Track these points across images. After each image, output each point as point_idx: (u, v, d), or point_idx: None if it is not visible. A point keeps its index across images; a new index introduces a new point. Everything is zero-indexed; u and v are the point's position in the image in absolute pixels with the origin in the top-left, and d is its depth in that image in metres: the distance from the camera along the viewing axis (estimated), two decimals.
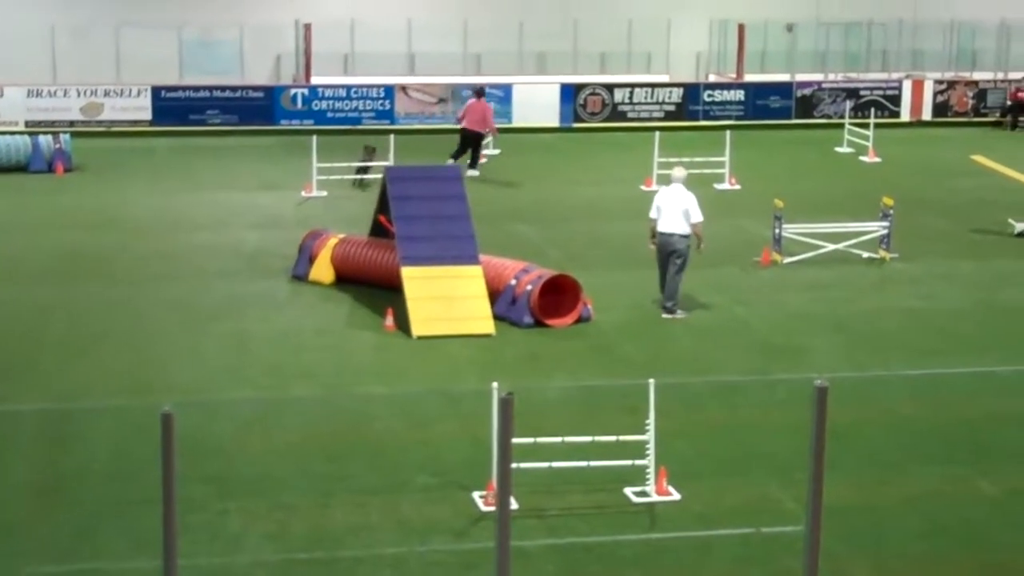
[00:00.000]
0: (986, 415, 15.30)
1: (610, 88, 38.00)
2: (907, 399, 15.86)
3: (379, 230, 20.22)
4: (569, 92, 37.76)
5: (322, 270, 20.49)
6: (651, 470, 12.72)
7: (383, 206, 19.89)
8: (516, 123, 36.81)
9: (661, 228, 18.82)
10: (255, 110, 36.34)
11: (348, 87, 36.99)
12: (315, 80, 37.71)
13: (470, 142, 30.36)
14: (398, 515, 12.33)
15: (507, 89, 37.37)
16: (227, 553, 11.50)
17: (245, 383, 16.15)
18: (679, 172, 19.27)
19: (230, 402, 15.38)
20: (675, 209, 18.75)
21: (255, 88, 36.98)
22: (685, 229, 18.75)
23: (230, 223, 25.16)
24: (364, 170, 28.51)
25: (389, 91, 37.02)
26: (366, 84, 37.14)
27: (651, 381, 12.71)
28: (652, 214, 19.04)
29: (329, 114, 36.57)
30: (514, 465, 12.36)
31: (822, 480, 5.95)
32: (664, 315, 18.91)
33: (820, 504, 5.97)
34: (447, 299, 18.32)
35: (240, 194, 28.03)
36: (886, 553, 11.76)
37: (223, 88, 36.52)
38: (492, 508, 12.02)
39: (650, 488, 12.74)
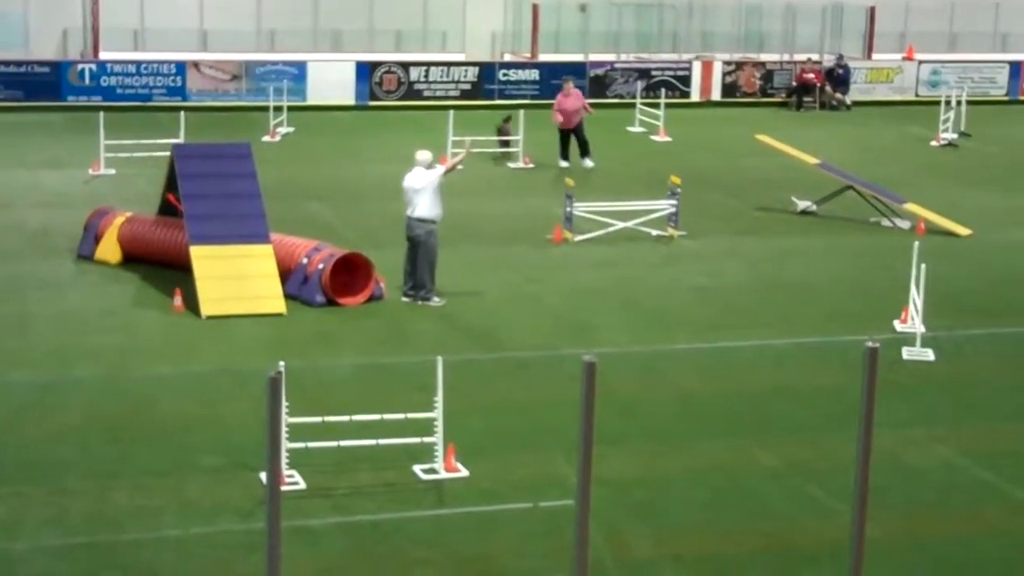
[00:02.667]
0: (766, 387, 15.73)
1: (405, 66, 37.96)
2: (691, 373, 16.20)
3: (168, 209, 19.88)
4: (364, 70, 37.60)
5: (108, 249, 20.07)
6: (439, 447, 12.78)
7: (171, 184, 19.56)
8: (311, 101, 36.53)
9: (406, 212, 18.73)
10: (41, 86, 35.33)
11: (138, 63, 36.22)
12: (103, 55, 36.85)
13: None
14: (183, 497, 12.17)
15: (301, 67, 37.04)
16: (1, 539, 11.20)
17: (25, 365, 15.72)
18: (421, 155, 18.91)
19: (6, 384, 14.96)
20: (411, 193, 18.54)
21: (41, 63, 35.95)
22: (421, 213, 18.39)
23: (13, 202, 24.46)
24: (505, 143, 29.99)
25: (181, 67, 36.37)
26: (157, 60, 36.40)
27: (439, 358, 12.78)
28: (404, 197, 18.87)
29: (118, 90, 35.78)
30: (301, 444, 12.39)
31: (591, 454, 6.06)
32: (419, 302, 18.58)
33: (589, 477, 6.07)
34: (237, 278, 18.11)
35: (24, 172, 27.26)
36: (668, 525, 12.01)
37: (7, 63, 35.42)
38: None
39: (438, 465, 12.80)
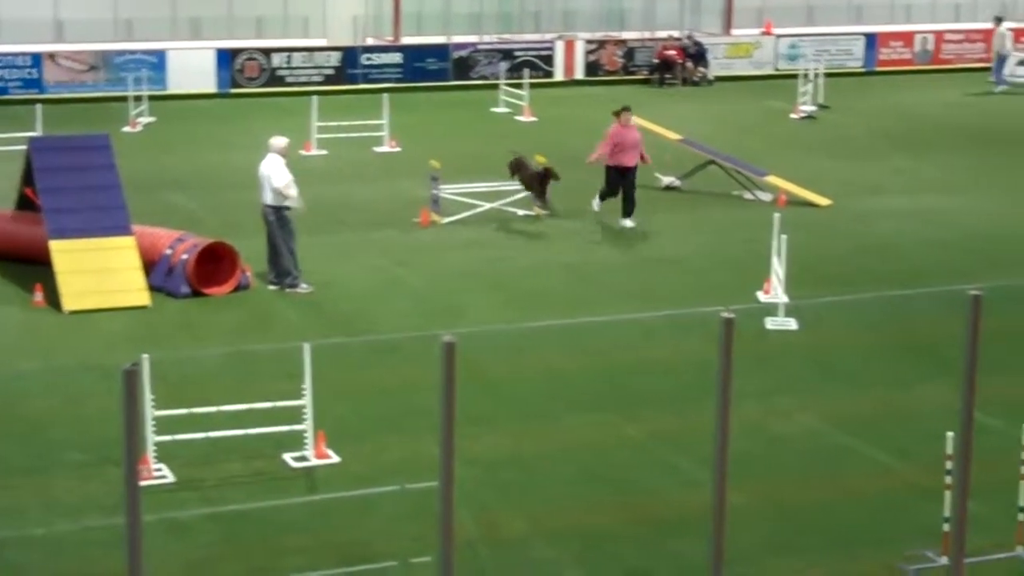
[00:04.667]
0: (632, 361, 15.91)
1: (267, 53, 37.60)
2: (558, 350, 16.33)
3: (26, 203, 19.53)
4: (225, 57, 37.17)
5: None
6: (309, 434, 12.76)
7: (29, 179, 19.22)
8: (171, 90, 36.01)
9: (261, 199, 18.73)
10: None
11: None
12: None
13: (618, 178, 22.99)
14: (48, 494, 12.02)
15: (161, 55, 36.49)
16: None
17: None
18: (274, 141, 18.88)
19: None
20: (263, 179, 18.59)
21: None
22: (270, 199, 18.52)
23: None
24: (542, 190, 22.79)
25: (36, 59, 35.63)
26: (11, 52, 35.64)
27: (306, 344, 12.74)
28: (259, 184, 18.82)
29: None
30: (168, 437, 12.30)
31: (453, 434, 6.11)
32: (285, 290, 18.51)
33: (452, 457, 6.12)
34: (99, 272, 17.87)
35: None
36: (538, 502, 12.12)
37: None
38: (146, 482, 11.84)
39: (309, 452, 12.78)
